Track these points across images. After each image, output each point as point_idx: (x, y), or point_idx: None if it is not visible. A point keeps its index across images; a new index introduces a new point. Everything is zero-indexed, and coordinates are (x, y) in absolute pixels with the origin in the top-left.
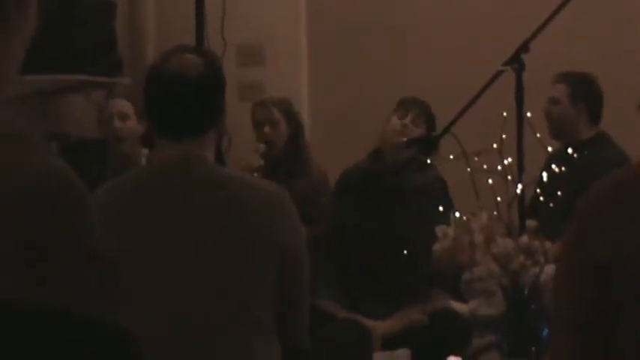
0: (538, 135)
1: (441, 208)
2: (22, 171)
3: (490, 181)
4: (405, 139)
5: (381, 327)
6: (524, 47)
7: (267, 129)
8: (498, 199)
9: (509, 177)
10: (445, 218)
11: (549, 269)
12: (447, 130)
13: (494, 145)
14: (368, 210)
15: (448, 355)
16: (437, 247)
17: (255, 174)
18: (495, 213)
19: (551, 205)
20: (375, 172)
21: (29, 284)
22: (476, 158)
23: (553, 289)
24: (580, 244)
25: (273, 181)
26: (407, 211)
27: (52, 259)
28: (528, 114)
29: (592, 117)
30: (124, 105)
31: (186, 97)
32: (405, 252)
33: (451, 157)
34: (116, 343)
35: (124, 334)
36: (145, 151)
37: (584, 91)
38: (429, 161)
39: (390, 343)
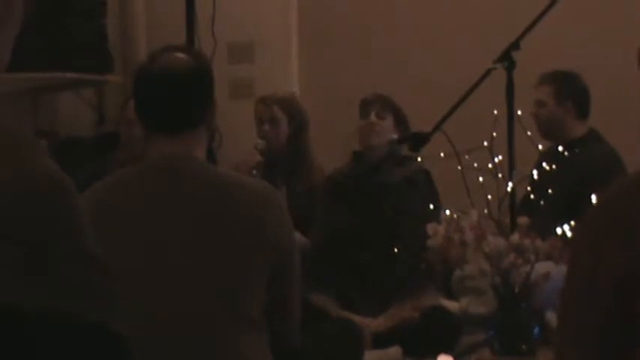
0: (529, 133)
1: (428, 201)
2: (16, 171)
3: (481, 179)
4: (395, 137)
5: (372, 325)
6: (514, 45)
7: (267, 127)
8: (489, 197)
9: (499, 175)
10: (431, 208)
11: (540, 267)
12: (437, 127)
13: (485, 143)
14: (356, 210)
15: (439, 352)
16: (431, 243)
17: (254, 171)
18: (486, 211)
19: (542, 203)
20: (358, 173)
21: (25, 286)
22: (466, 156)
23: (563, 292)
24: (595, 249)
25: (272, 179)
26: (393, 206)
27: (46, 261)
28: (519, 112)
29: (580, 113)
30: None
31: (175, 92)
32: (395, 248)
33: (442, 154)
34: (108, 344)
35: (118, 336)
36: None
37: (569, 89)
38: (408, 155)
39: (381, 340)
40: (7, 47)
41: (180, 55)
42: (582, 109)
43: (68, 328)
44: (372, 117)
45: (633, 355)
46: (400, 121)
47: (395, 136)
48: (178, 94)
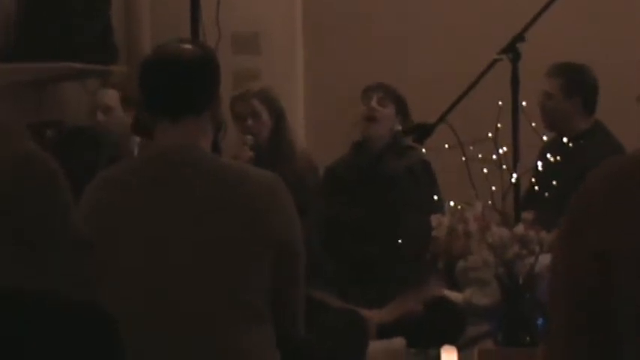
0: (533, 124)
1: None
2: (4, 155)
3: (485, 170)
4: (400, 128)
5: (376, 316)
6: (519, 36)
7: (250, 122)
8: (493, 188)
9: (504, 166)
10: (430, 199)
11: (544, 259)
12: (442, 119)
13: (490, 135)
14: (356, 201)
15: (443, 344)
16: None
17: None
18: (490, 202)
19: (546, 194)
20: (358, 163)
21: (8, 267)
22: (471, 147)
23: (549, 279)
24: (576, 235)
25: None
26: (393, 196)
27: (29, 241)
28: (524, 103)
29: (587, 108)
30: (109, 97)
31: (178, 76)
32: (397, 239)
33: (446, 146)
34: (94, 324)
35: (105, 314)
36: (137, 139)
37: (579, 84)
38: (408, 145)
39: (385, 331)
40: None
41: (186, 45)
42: (589, 104)
43: (55, 308)
44: (373, 102)
45: (614, 331)
46: (401, 111)
47: (400, 128)
48: (182, 77)
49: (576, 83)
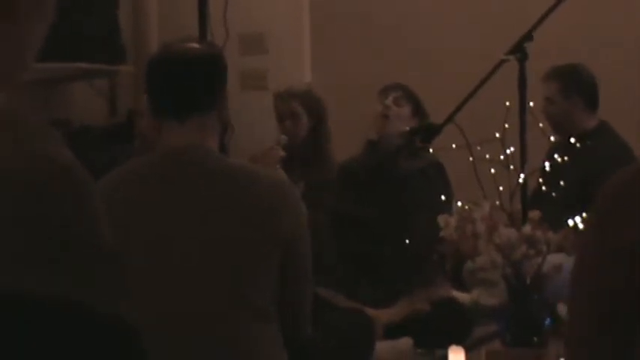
0: (540, 125)
1: (441, 194)
2: (13, 159)
3: (492, 170)
4: (407, 128)
5: (383, 316)
6: (527, 37)
7: (288, 123)
8: (501, 188)
9: (511, 166)
10: (442, 201)
11: (552, 259)
12: (450, 119)
13: (497, 135)
14: (368, 200)
15: (450, 344)
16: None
17: (278, 166)
18: (498, 203)
19: (553, 194)
20: (371, 163)
21: (32, 273)
22: (478, 148)
23: (573, 279)
24: (601, 233)
25: (291, 171)
26: (404, 197)
27: (56, 248)
28: (531, 103)
29: (588, 105)
30: None
31: (184, 74)
32: (407, 239)
33: (454, 146)
34: (119, 336)
35: (130, 328)
36: None
37: (576, 84)
38: (422, 146)
39: (393, 331)
40: (38, 39)
41: (193, 44)
42: (591, 100)
43: (77, 318)
44: (389, 101)
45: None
46: (418, 112)
47: (407, 128)
48: (188, 76)
49: (573, 83)
